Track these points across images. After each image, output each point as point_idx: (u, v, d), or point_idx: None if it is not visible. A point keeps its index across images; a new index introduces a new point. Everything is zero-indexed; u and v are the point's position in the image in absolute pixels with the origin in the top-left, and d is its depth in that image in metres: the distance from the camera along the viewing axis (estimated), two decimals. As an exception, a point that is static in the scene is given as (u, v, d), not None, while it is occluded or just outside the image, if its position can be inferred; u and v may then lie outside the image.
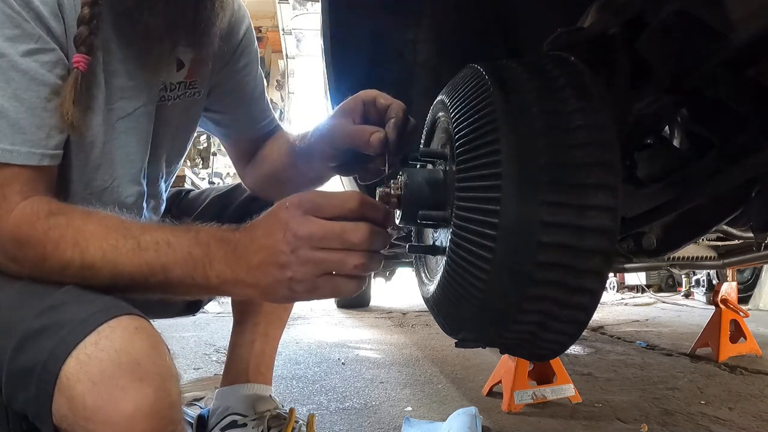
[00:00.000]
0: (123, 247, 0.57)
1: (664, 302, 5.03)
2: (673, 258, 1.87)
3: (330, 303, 4.58)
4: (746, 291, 4.44)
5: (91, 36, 0.64)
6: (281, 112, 7.63)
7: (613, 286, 6.27)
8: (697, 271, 4.67)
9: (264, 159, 0.96)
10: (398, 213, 0.58)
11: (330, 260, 0.54)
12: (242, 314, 1.14)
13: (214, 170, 6.70)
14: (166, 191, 0.93)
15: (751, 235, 1.17)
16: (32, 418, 0.53)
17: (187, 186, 2.13)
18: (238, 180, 1.05)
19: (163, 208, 0.94)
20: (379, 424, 1.41)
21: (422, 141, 0.69)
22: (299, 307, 4.16)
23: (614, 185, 0.46)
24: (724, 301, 2.26)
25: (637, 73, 0.65)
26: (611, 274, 5.22)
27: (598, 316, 3.77)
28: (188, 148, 0.95)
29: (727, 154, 0.69)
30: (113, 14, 0.69)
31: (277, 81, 8.58)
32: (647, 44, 0.63)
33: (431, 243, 0.65)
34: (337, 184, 1.71)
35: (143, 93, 0.76)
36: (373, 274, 3.06)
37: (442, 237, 0.58)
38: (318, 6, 1.11)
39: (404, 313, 4.11)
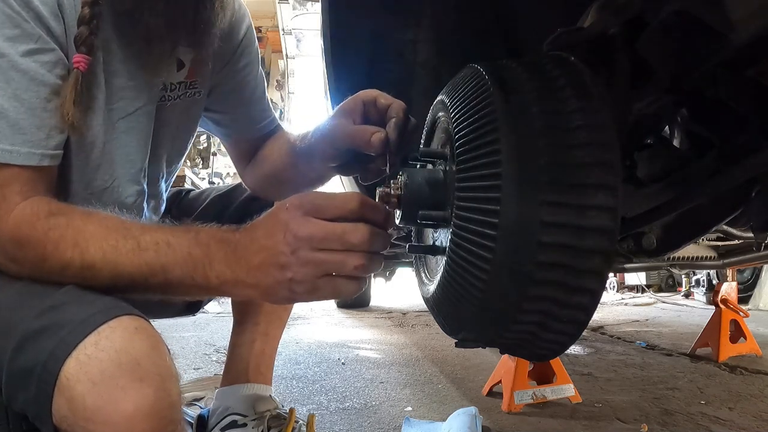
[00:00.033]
0: (123, 247, 0.57)
1: (664, 302, 5.03)
2: (673, 258, 1.87)
3: (330, 303, 4.58)
4: (746, 291, 4.44)
5: (92, 36, 0.64)
6: (281, 112, 7.63)
7: (613, 286, 6.27)
8: (697, 271, 4.67)
9: (264, 159, 0.96)
10: (398, 213, 0.58)
11: (330, 261, 0.54)
12: (242, 314, 1.14)
13: (214, 170, 6.71)
14: (166, 191, 0.93)
15: (751, 235, 1.17)
16: (32, 419, 0.53)
17: (187, 186, 2.12)
18: (238, 180, 1.05)
19: (163, 208, 0.94)
20: (379, 424, 1.41)
21: (422, 141, 0.69)
22: (299, 307, 4.16)
23: (614, 185, 0.46)
24: (724, 301, 2.26)
25: (637, 73, 0.65)
26: (611, 274, 5.22)
27: (598, 316, 3.77)
28: (188, 148, 0.95)
29: (727, 154, 0.69)
30: (113, 14, 0.69)
31: (277, 81, 8.58)
32: (647, 44, 0.63)
33: (431, 243, 0.65)
34: (337, 185, 1.71)
35: (143, 93, 0.76)
36: (373, 275, 3.06)
37: (442, 237, 0.58)
38: (318, 6, 1.11)
39: (404, 313, 4.11)
